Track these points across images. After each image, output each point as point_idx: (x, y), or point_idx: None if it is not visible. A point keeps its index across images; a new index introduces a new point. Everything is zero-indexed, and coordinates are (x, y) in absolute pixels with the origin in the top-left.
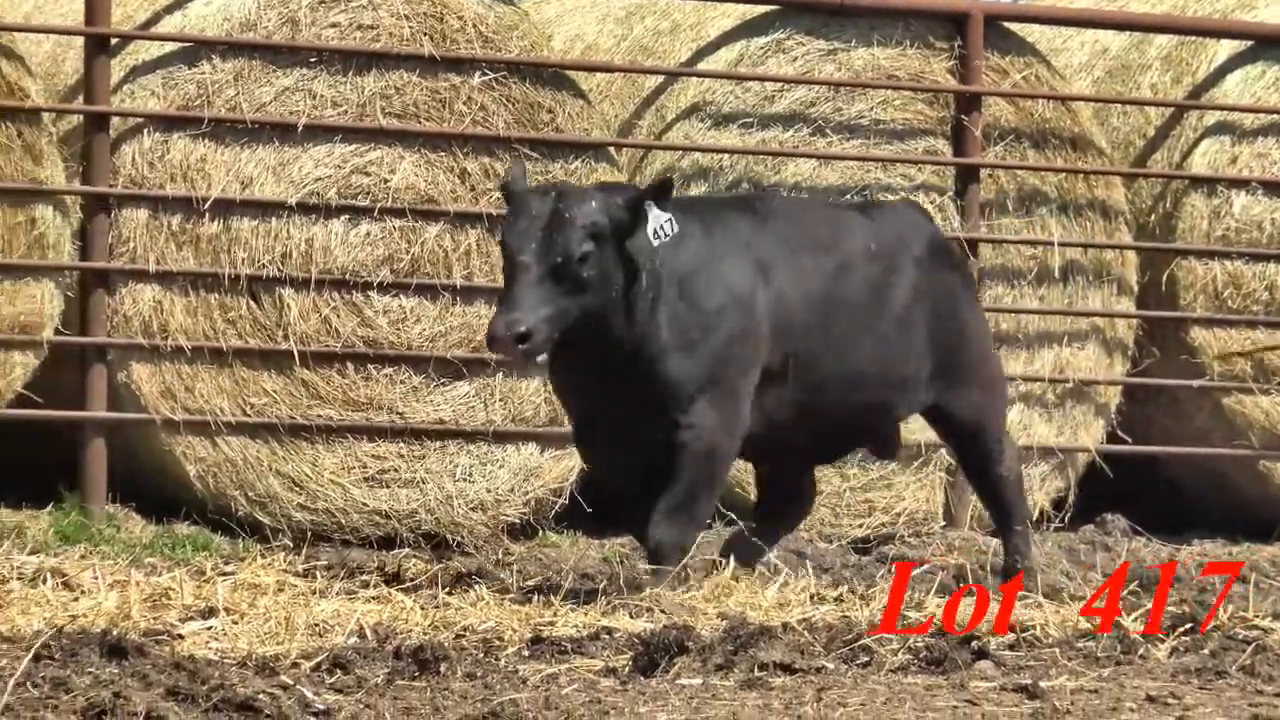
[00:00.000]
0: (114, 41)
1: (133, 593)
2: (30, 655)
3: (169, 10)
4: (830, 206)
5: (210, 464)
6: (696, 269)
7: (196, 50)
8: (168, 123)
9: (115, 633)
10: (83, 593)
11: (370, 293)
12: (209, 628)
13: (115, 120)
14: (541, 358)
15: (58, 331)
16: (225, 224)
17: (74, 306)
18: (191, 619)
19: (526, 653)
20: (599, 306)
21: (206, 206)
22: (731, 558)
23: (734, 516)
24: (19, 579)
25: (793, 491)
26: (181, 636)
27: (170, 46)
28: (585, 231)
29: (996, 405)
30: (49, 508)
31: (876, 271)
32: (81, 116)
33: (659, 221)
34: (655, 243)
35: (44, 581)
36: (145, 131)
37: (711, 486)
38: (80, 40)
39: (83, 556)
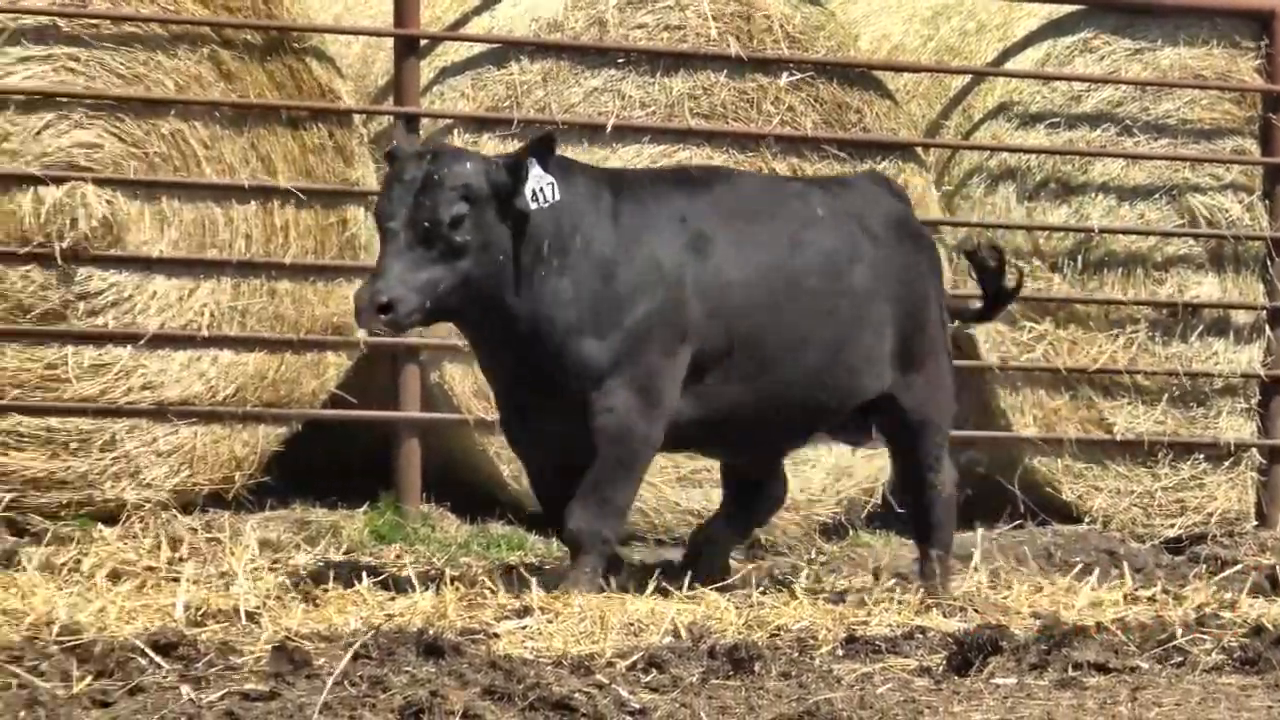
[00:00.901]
0: (423, 43)
1: (448, 592)
2: (348, 654)
3: (477, 11)
4: (777, 180)
5: None
6: (614, 245)
7: (505, 51)
8: (477, 124)
9: (432, 632)
10: (399, 592)
11: None
12: (524, 627)
13: (425, 121)
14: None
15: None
16: None
17: None
18: (507, 618)
19: (840, 652)
20: (483, 274)
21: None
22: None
23: None
24: (336, 578)
25: (757, 483)
26: (497, 635)
27: (479, 47)
28: (457, 194)
29: (942, 406)
30: (364, 507)
31: (828, 247)
32: (391, 117)
33: (539, 183)
34: (533, 205)
35: (360, 581)
36: (455, 132)
37: (629, 470)
38: (390, 41)
39: (398, 556)
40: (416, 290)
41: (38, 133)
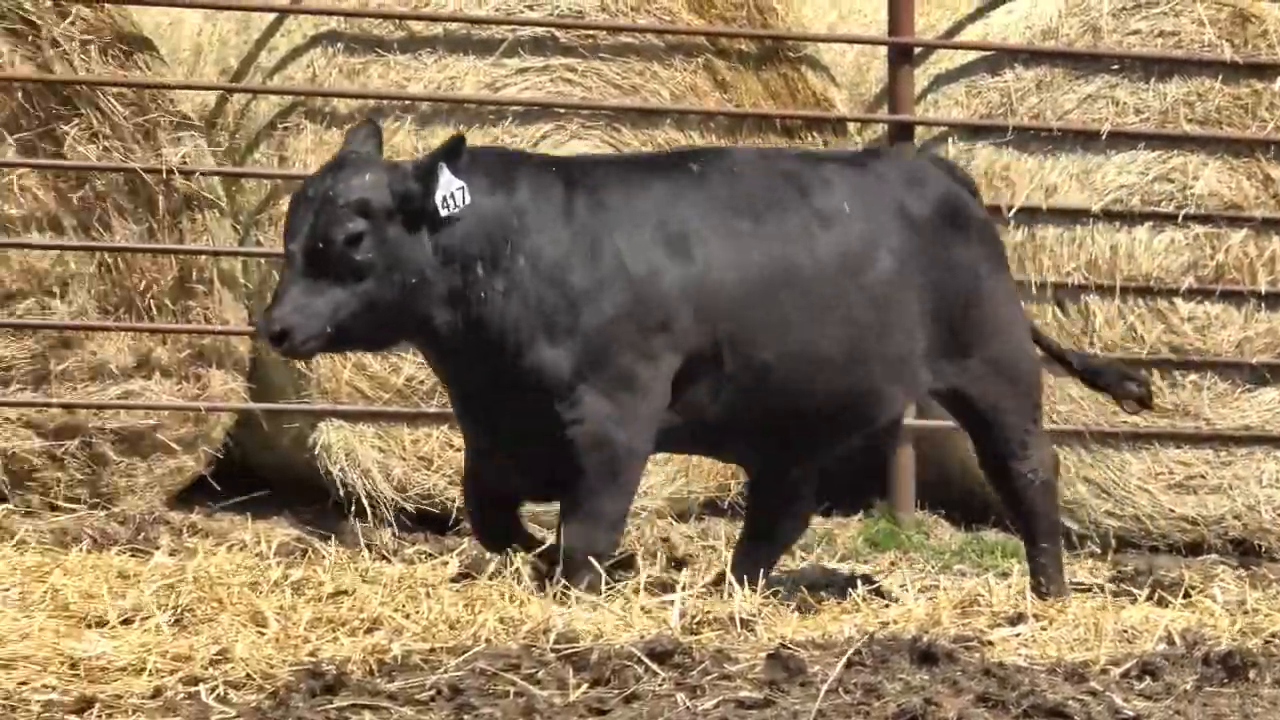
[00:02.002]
0: (917, 50)
1: (942, 599)
2: (842, 661)
3: (971, 19)
4: (802, 160)
5: None
6: (566, 244)
7: (999, 58)
8: (971, 131)
9: (926, 639)
10: (893, 599)
11: (1175, 299)
12: (1018, 634)
13: (919, 129)
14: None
15: None
16: (1030, 232)
17: None
18: (1000, 625)
19: None
20: (395, 294)
21: (1012, 214)
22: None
23: None
24: (830, 586)
25: (778, 504)
26: (991, 643)
27: (973, 54)
28: (350, 210)
29: (1020, 393)
30: (859, 515)
31: (848, 235)
32: (885, 126)
33: (449, 189)
34: (443, 212)
35: (855, 588)
36: (950, 140)
37: (614, 482)
38: (883, 49)
39: (892, 564)
40: (313, 317)
41: (535, 143)
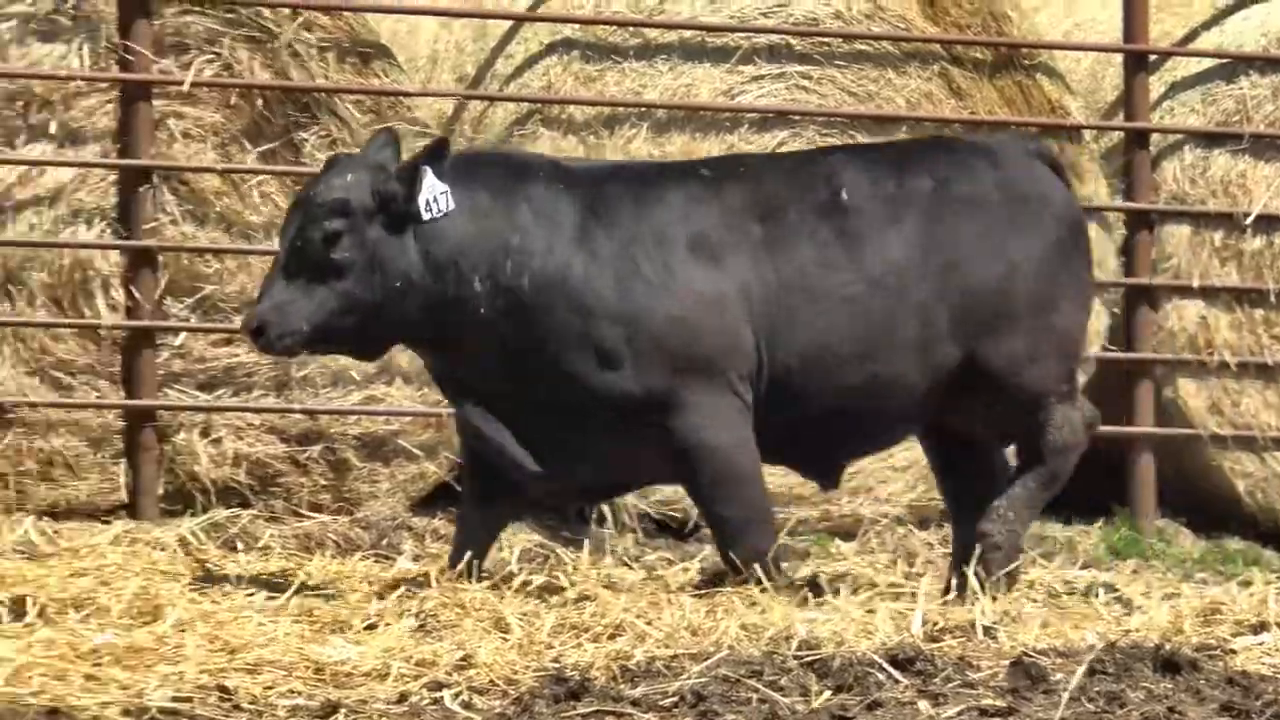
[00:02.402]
0: (1153, 58)
1: (1184, 607)
2: (1083, 669)
3: (1206, 26)
4: (808, 156)
5: (1258, 479)
6: (584, 262)
7: (1235, 65)
8: (1208, 138)
9: (1168, 647)
10: (1135, 607)
11: None
12: (1261, 643)
13: (1155, 136)
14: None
15: (1104, 348)
16: (1268, 239)
17: (1120, 322)
18: (1244, 634)
19: None
20: (377, 295)
21: (1249, 222)
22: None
23: None
24: (1071, 593)
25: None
26: (1234, 651)
27: (1209, 62)
28: (327, 210)
29: (1050, 361)
30: (1099, 523)
31: (854, 224)
32: (1121, 133)
33: (433, 192)
34: (426, 216)
35: (1096, 596)
36: (1186, 147)
37: (730, 481)
38: (1119, 57)
39: (1134, 571)
40: (292, 314)
41: (771, 151)
